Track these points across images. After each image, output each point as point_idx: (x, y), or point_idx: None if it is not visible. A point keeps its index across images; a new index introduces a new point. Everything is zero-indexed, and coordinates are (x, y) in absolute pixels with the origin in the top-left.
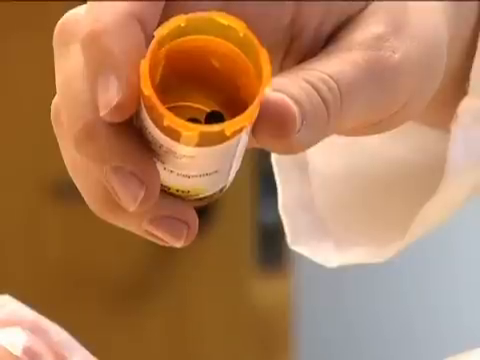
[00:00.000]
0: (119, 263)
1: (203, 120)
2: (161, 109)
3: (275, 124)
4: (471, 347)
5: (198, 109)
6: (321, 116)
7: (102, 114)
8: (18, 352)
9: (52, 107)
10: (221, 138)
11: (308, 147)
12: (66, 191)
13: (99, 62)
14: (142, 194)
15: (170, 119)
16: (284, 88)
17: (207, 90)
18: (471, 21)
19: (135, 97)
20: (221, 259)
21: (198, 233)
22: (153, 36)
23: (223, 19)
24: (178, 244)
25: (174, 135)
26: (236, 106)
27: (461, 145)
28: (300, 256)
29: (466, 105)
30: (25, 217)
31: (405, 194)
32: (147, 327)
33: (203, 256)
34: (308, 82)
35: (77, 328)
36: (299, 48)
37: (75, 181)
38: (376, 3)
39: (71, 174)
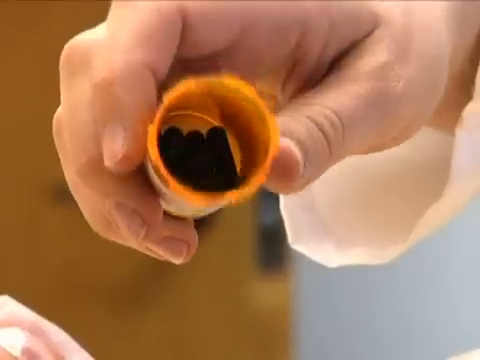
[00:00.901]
0: (119, 266)
1: (205, 134)
2: (167, 176)
3: (280, 174)
4: (469, 348)
5: (201, 119)
6: (323, 154)
7: (107, 164)
8: (17, 353)
9: (54, 121)
10: (225, 200)
11: (310, 183)
12: (66, 194)
13: (108, 111)
14: (143, 232)
15: (175, 187)
16: (288, 129)
17: (210, 102)
18: (476, 29)
19: (141, 151)
20: (221, 261)
21: (198, 235)
22: (162, 100)
23: (233, 83)
24: (177, 261)
25: (179, 194)
26: (238, 124)
27: (466, 149)
28: (301, 258)
29: (471, 109)
30: (25, 220)
31: (407, 195)
32: (147, 330)
33: (203, 258)
34: (312, 120)
35: (76, 331)
36: (301, 71)
37: (76, 198)
38: (381, 29)
39: (72, 191)
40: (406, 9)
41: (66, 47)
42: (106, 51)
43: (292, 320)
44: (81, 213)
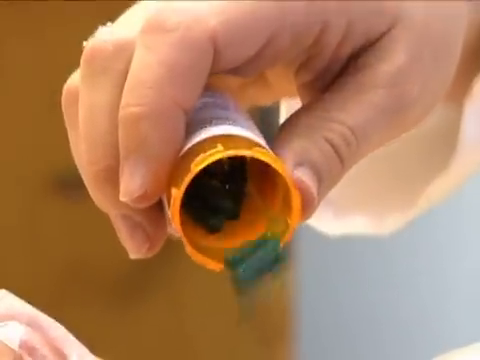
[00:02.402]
0: (119, 259)
1: (226, 166)
2: (185, 240)
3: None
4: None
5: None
6: (336, 173)
7: (122, 199)
8: (15, 346)
9: (65, 91)
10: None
11: (320, 201)
12: (67, 186)
13: (133, 147)
14: (146, 247)
15: (192, 253)
16: (306, 157)
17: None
18: None
19: (158, 192)
20: None
21: None
22: (190, 169)
23: (262, 156)
24: (131, 255)
25: (194, 259)
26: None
27: (475, 121)
28: (300, 250)
29: None
30: (25, 212)
31: (409, 166)
32: (146, 322)
33: None
34: (329, 142)
35: (75, 323)
36: (316, 65)
37: (80, 170)
38: (398, 28)
39: (77, 163)
40: (425, 4)
41: (90, 47)
42: (136, 83)
43: (292, 311)
44: (81, 205)
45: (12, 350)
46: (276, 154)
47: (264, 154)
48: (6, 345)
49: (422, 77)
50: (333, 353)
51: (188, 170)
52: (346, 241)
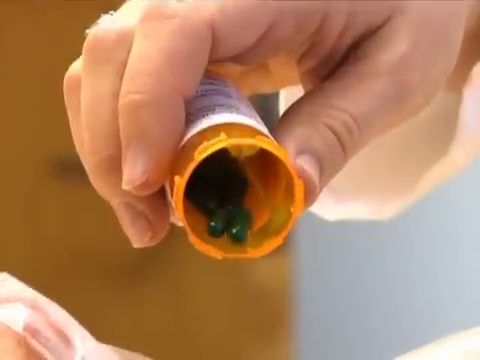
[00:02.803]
0: (119, 241)
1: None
2: (188, 229)
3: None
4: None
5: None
6: (338, 162)
7: (124, 187)
8: (19, 328)
9: (66, 79)
10: (240, 255)
11: (322, 189)
12: (68, 169)
13: (134, 134)
14: (149, 236)
15: (195, 242)
16: (308, 144)
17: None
18: None
19: (161, 179)
20: None
21: None
22: (193, 158)
23: (265, 144)
24: (134, 244)
25: (196, 247)
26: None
27: (474, 107)
28: (300, 236)
29: None
30: (25, 195)
31: (409, 151)
32: (146, 305)
33: None
34: (330, 129)
35: (76, 306)
36: (318, 52)
37: (82, 159)
38: (399, 16)
39: (78, 151)
40: None
41: (92, 36)
42: (136, 71)
43: (292, 298)
44: (81, 188)
45: (16, 332)
46: (278, 142)
47: (267, 143)
48: (10, 327)
49: (423, 65)
50: (333, 342)
51: (191, 158)
52: (345, 229)
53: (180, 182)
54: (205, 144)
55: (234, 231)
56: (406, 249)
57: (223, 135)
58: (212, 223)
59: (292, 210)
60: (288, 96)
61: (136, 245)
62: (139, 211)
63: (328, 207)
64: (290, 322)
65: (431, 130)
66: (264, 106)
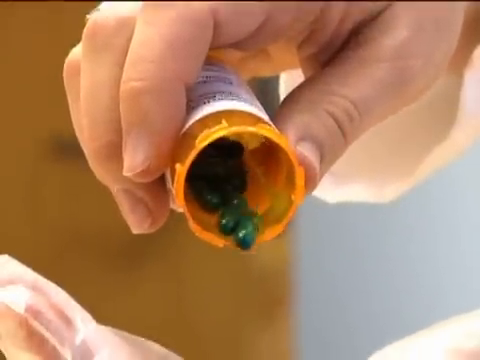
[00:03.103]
0: (119, 221)
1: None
2: (189, 216)
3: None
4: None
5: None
6: (339, 148)
7: (125, 174)
8: (21, 310)
9: (66, 65)
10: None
11: (323, 176)
12: (66, 149)
13: (135, 121)
14: (148, 222)
15: (196, 229)
16: (309, 132)
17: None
18: None
19: (162, 166)
20: None
21: None
22: (194, 145)
23: (267, 132)
24: (133, 230)
25: (197, 234)
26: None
27: (475, 90)
28: (301, 218)
29: None
30: (25, 175)
31: (409, 134)
32: (146, 286)
33: None
34: (332, 116)
35: (76, 286)
36: (319, 39)
37: (82, 144)
38: (400, 2)
39: (78, 136)
40: None
41: (92, 22)
42: (137, 57)
43: (292, 280)
44: (81, 168)
45: (17, 313)
46: (279, 129)
47: (268, 130)
48: (11, 308)
49: (425, 50)
50: (332, 324)
51: (192, 146)
52: (345, 212)
53: (181, 170)
54: (206, 132)
55: (241, 235)
56: (406, 232)
57: (224, 123)
58: (223, 221)
59: (293, 198)
60: (288, 81)
61: (135, 231)
62: (139, 198)
63: (328, 189)
64: (290, 304)
65: (431, 113)
66: (264, 90)
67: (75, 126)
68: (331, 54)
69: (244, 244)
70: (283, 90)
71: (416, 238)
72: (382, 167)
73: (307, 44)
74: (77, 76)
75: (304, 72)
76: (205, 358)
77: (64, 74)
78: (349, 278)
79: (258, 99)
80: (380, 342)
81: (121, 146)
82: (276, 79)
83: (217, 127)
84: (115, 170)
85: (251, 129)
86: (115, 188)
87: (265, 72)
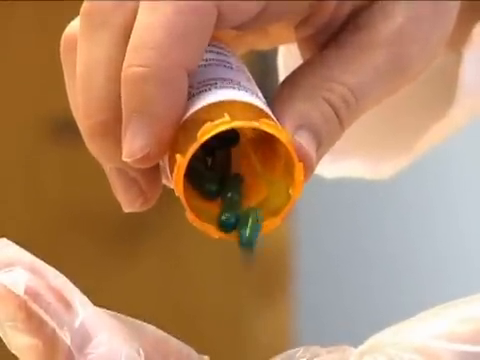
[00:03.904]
0: (117, 205)
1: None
2: (187, 207)
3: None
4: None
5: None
6: (335, 133)
7: (124, 159)
8: (20, 291)
9: (63, 40)
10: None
11: (318, 162)
12: (65, 130)
13: (136, 107)
14: (140, 201)
15: (193, 219)
16: (306, 119)
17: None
18: None
19: (161, 153)
20: None
21: None
22: (196, 138)
23: (268, 128)
24: (125, 209)
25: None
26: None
27: (474, 68)
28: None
29: None
30: (24, 156)
31: (408, 112)
32: (143, 266)
33: None
34: (329, 103)
35: (74, 268)
36: (316, 21)
37: (77, 121)
38: None
39: (73, 113)
40: None
41: (86, 2)
42: (139, 43)
43: (291, 258)
44: (80, 149)
45: (17, 295)
46: (277, 114)
47: (271, 126)
48: (10, 290)
49: (422, 37)
50: (332, 302)
51: (194, 138)
52: (343, 189)
53: (182, 161)
54: (208, 125)
55: (244, 241)
56: (405, 208)
57: (227, 116)
58: (223, 218)
59: (291, 193)
60: (287, 55)
61: (126, 210)
62: (131, 177)
63: (325, 164)
64: (290, 282)
65: (430, 90)
66: (262, 65)
67: (71, 103)
68: (329, 36)
69: (248, 245)
70: (281, 64)
71: (414, 214)
72: (379, 143)
73: (305, 25)
74: (74, 51)
75: (302, 53)
76: (204, 339)
77: (61, 49)
78: (348, 257)
79: (256, 79)
80: (379, 320)
81: (115, 125)
82: (274, 53)
83: (220, 121)
84: (109, 148)
85: (254, 124)
86: (108, 167)
87: (262, 46)
